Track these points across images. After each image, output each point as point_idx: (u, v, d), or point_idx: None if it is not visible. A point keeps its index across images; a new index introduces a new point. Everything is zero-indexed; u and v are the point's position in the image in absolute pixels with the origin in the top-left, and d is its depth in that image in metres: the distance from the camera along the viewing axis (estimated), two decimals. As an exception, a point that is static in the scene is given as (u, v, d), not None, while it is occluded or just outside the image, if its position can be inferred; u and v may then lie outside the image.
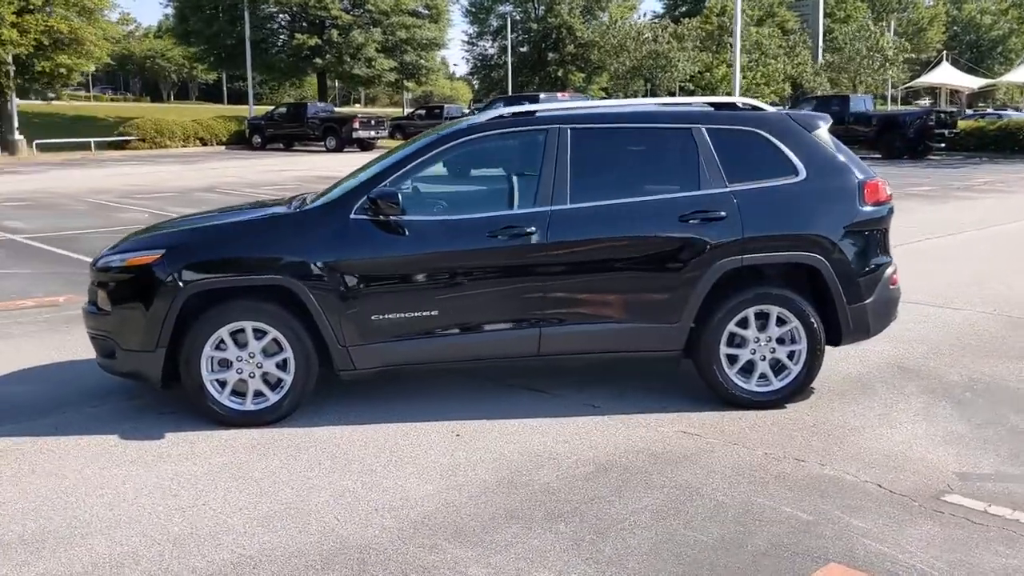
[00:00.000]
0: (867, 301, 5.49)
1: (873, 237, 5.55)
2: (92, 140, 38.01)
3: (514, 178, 5.57)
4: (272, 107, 44.36)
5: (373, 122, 39.21)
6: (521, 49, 61.85)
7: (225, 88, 77.03)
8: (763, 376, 5.47)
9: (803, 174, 5.47)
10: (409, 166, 5.36)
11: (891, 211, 5.69)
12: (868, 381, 6.02)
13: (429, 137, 5.62)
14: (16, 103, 36.31)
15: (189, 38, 47.59)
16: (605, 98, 65.66)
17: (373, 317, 5.18)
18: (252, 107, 44.34)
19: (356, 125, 38.12)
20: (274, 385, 5.24)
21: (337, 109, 45.34)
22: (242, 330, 5.17)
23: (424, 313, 5.23)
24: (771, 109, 5.77)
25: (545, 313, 5.29)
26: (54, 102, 47.18)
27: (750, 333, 5.42)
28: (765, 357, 5.45)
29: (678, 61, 43.39)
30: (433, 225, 5.27)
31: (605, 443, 4.92)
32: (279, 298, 5.16)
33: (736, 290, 5.41)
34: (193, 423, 5.21)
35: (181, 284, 5.09)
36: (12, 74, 34.06)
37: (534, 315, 5.28)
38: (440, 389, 5.81)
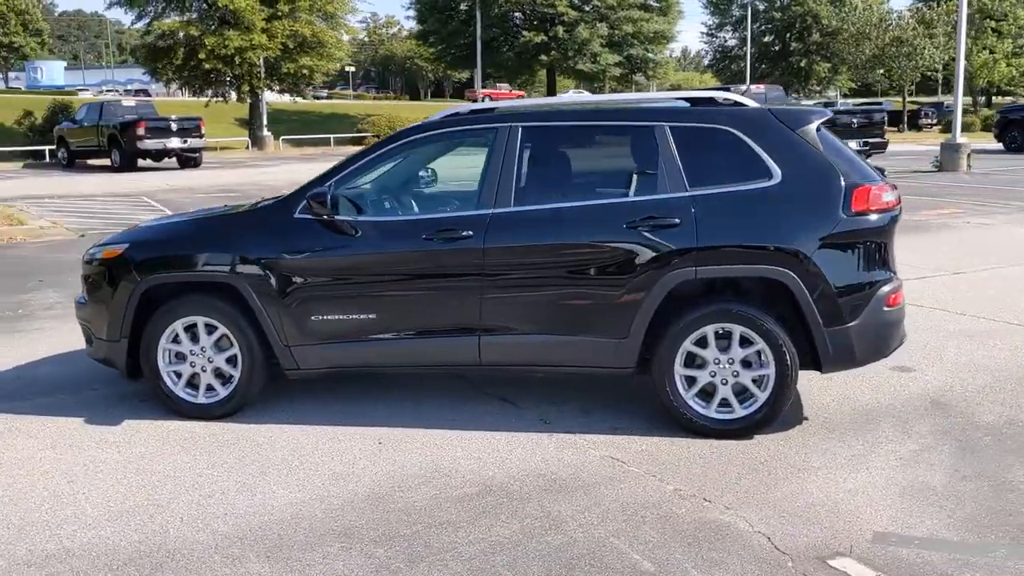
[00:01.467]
0: (851, 324, 4.79)
1: (861, 250, 4.83)
2: (332, 136, 40.71)
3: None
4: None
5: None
6: (763, 39, 59.53)
7: (478, 85, 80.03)
8: (725, 402, 4.93)
9: (777, 177, 4.85)
10: (355, 166, 5.28)
11: (893, 220, 4.93)
12: (879, 414, 5.27)
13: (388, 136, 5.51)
14: (265, 101, 39.59)
15: (428, 38, 49.85)
16: (852, 91, 61.81)
17: (313, 317, 5.17)
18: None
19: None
20: (225, 380, 5.35)
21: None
22: (195, 325, 5.32)
23: (362, 316, 5.14)
24: (752, 105, 5.15)
25: (483, 321, 5.04)
26: (314, 100, 50.94)
27: (710, 353, 4.89)
28: (727, 381, 4.90)
29: (923, 49, 39.95)
30: (372, 226, 5.16)
31: (515, 463, 4.63)
32: (227, 295, 5.26)
33: (693, 305, 4.90)
34: (159, 413, 5.42)
35: (138, 278, 5.31)
36: (262, 75, 37.12)
37: (472, 323, 5.05)
38: (409, 392, 5.70)
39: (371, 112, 46.12)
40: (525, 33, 43.44)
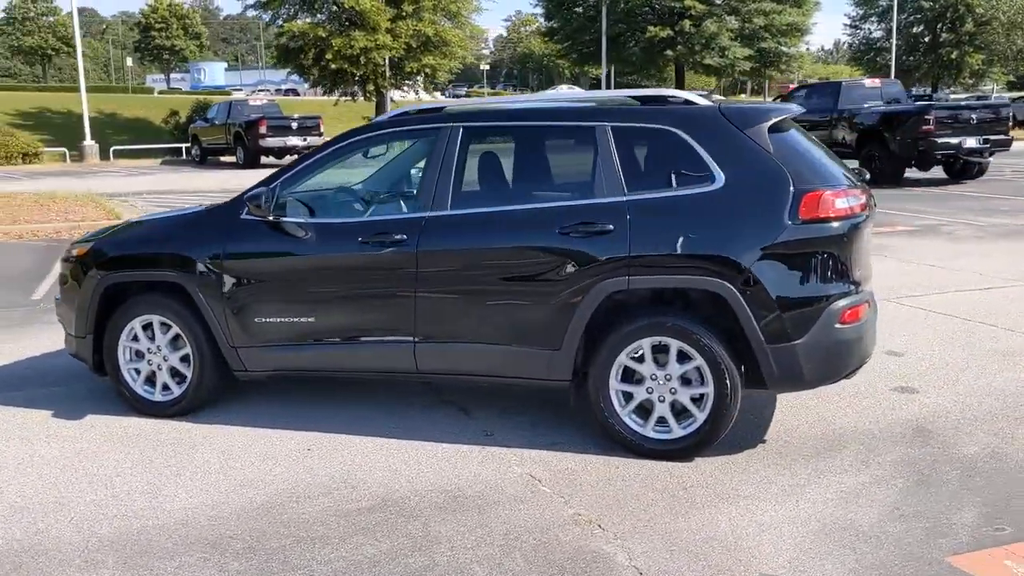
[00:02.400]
0: (797, 341, 4.39)
1: (811, 261, 4.42)
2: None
3: (404, 180, 5.20)
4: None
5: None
6: (912, 30, 56.50)
7: (613, 82, 79.41)
8: (662, 421, 4.61)
9: (719, 181, 4.49)
10: (302, 166, 5.21)
11: (854, 228, 4.49)
12: (848, 439, 4.82)
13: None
14: (391, 100, 40.42)
15: (554, 35, 49.73)
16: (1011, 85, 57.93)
17: (256, 319, 5.14)
18: (605, 100, 45.32)
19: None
20: (180, 379, 5.40)
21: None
22: (151, 323, 5.39)
23: (302, 319, 5.08)
24: (703, 103, 4.78)
25: (418, 328, 4.89)
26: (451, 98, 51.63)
27: (646, 369, 4.59)
28: (664, 398, 4.58)
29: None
30: (312, 228, 5.06)
31: (428, 477, 4.46)
32: (179, 295, 5.30)
33: (629, 317, 4.61)
34: (123, 410, 5.51)
35: (99, 276, 5.43)
36: (387, 75, 37.90)
37: (407, 329, 4.91)
38: (369, 398, 5.59)
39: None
40: (651, 28, 42.67)
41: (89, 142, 33.13)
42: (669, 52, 43.46)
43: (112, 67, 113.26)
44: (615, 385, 4.63)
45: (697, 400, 4.54)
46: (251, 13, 41.48)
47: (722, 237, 4.42)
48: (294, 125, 28.66)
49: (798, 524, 3.89)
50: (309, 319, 5.07)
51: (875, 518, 3.93)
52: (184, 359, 5.36)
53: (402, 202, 5.19)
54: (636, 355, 4.59)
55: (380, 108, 39.63)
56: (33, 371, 6.47)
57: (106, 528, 3.99)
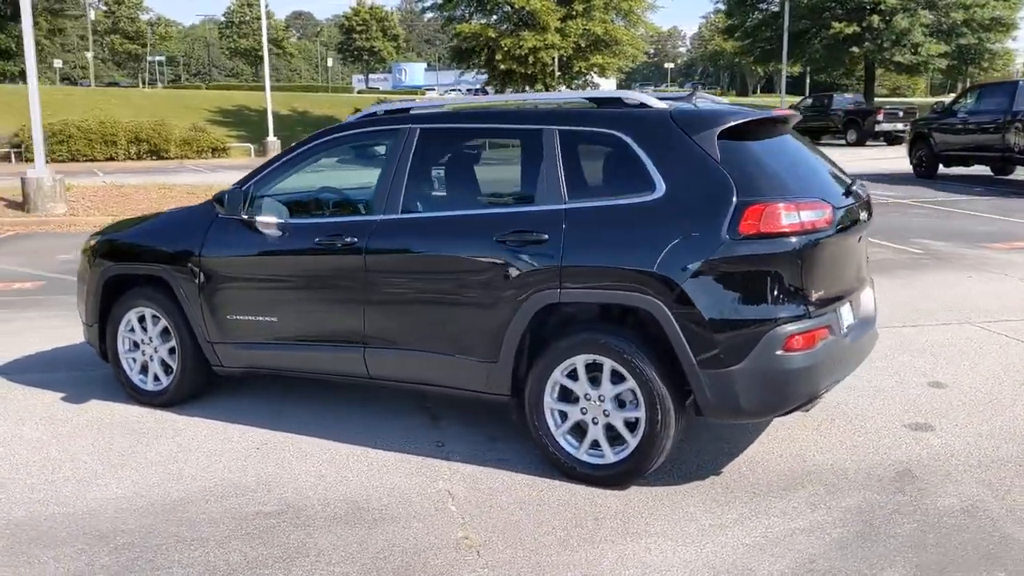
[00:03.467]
0: (733, 368, 3.99)
1: (750, 280, 4.00)
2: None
3: (366, 182, 5.12)
4: (801, 97, 43.12)
5: (901, 113, 35.85)
6: None
7: (809, 81, 76.28)
8: (596, 444, 4.32)
9: (659, 191, 4.15)
10: (275, 166, 5.23)
11: (809, 245, 4.03)
12: (813, 479, 4.36)
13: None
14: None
15: (733, 33, 48.27)
16: None
17: (229, 316, 5.23)
18: (783, 100, 43.55)
19: (880, 117, 35.24)
20: (169, 370, 5.57)
21: (892, 101, 42.27)
22: (145, 315, 5.59)
23: (266, 318, 5.12)
24: (660, 105, 4.41)
25: (367, 333, 4.81)
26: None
27: (580, 388, 4.32)
28: (598, 420, 4.30)
29: None
30: (277, 228, 5.05)
31: (347, 485, 4.38)
32: (167, 289, 5.46)
33: (563, 332, 4.35)
34: (124, 398, 5.74)
35: (102, 268, 5.68)
36: (555, 74, 38.04)
37: (357, 334, 4.85)
38: (347, 400, 5.56)
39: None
40: (836, 24, 40.57)
41: (272, 138, 35.06)
42: (855, 49, 41.19)
43: (321, 68, 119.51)
44: (550, 403, 4.38)
45: (632, 424, 4.22)
46: (428, 15, 42.56)
47: (655, 251, 4.07)
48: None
49: (688, 570, 3.53)
50: (271, 319, 5.10)
51: (780, 570, 3.51)
52: (172, 351, 5.52)
53: (363, 205, 5.12)
54: (570, 372, 4.32)
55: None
56: (65, 356, 6.85)
57: (21, 512, 4.15)
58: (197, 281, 5.25)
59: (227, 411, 5.44)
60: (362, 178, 5.78)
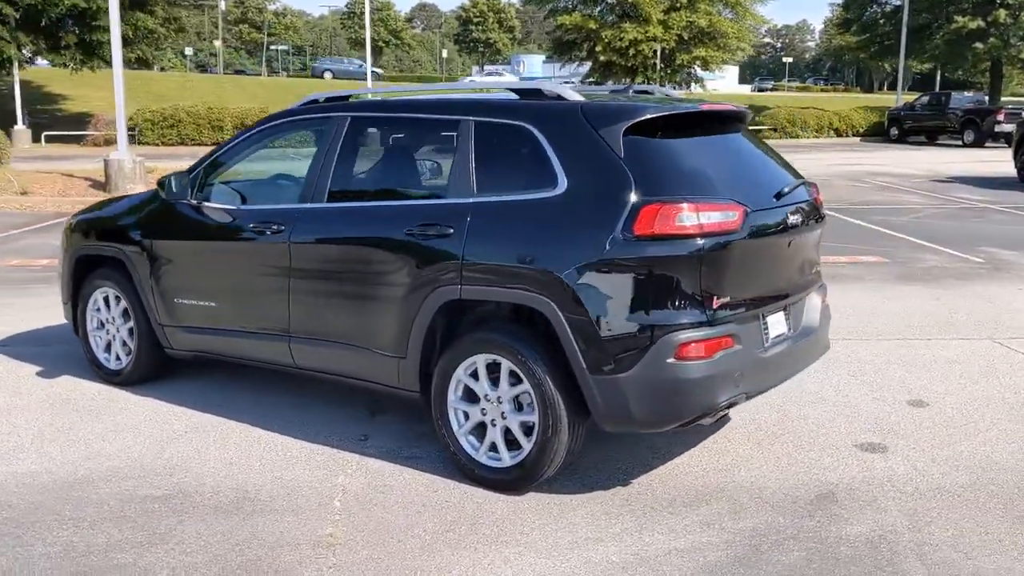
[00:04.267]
0: (623, 375, 3.78)
1: (644, 284, 3.77)
2: (725, 128, 39.80)
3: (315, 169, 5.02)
4: (917, 95, 41.17)
5: (1024, 114, 33.82)
6: None
7: (939, 79, 72.96)
8: (494, 447, 4.17)
9: (561, 187, 3.96)
10: (222, 151, 5.24)
11: (715, 248, 3.77)
12: (720, 496, 4.10)
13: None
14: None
15: (849, 27, 46.33)
16: None
17: (175, 300, 5.28)
18: (900, 97, 41.63)
19: (1000, 117, 33.34)
20: (129, 350, 5.67)
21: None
22: (109, 295, 5.70)
23: (207, 303, 5.15)
24: (578, 98, 4.20)
25: (292, 322, 4.78)
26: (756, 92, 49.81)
27: (480, 388, 4.17)
28: (496, 422, 4.15)
29: None
30: (214, 213, 5.06)
31: (248, 474, 4.35)
32: (124, 270, 5.55)
33: (465, 329, 4.22)
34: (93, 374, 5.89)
35: (74, 247, 5.83)
36: (658, 67, 37.41)
37: (283, 322, 4.82)
38: (299, 387, 5.54)
39: (788, 104, 43.69)
40: (959, 18, 38.46)
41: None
42: (979, 45, 38.97)
43: (439, 59, 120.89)
44: (453, 402, 4.25)
45: (529, 429, 4.06)
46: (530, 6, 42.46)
47: (550, 250, 3.90)
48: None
49: (536, 584, 3.37)
50: (212, 304, 5.12)
51: (629, 594, 3.31)
52: (131, 332, 5.61)
53: (297, 193, 5.08)
54: (473, 372, 4.18)
55: (650, 101, 39.16)
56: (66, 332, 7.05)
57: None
58: (149, 263, 5.32)
59: (178, 393, 5.50)
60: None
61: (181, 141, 33.20)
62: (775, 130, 39.56)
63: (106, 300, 5.72)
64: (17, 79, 32.80)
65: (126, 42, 33.83)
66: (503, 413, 4.11)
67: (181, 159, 25.04)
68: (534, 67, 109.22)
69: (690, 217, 3.74)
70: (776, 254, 4.20)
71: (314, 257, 4.66)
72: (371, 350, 4.48)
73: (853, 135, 40.33)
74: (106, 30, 32.30)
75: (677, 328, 3.75)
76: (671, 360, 3.74)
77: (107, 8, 32.59)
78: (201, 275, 5.16)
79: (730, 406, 3.97)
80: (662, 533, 3.76)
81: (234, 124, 33.86)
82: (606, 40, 35.87)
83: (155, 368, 5.64)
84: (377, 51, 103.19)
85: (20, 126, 33.23)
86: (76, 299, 5.88)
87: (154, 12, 34.13)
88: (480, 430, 4.22)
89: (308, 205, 4.71)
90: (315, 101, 5.05)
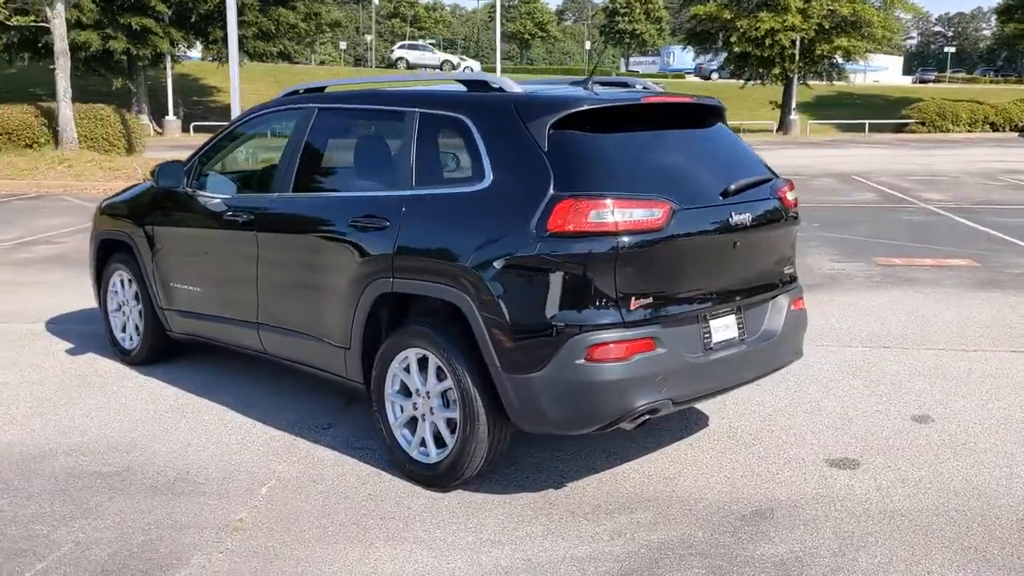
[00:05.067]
0: (535, 374, 3.67)
1: (557, 282, 3.63)
2: (868, 122, 38.06)
3: (277, 160, 5.11)
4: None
5: None
6: None
7: None
8: (424, 442, 4.14)
9: (486, 181, 3.88)
10: (214, 141, 5.38)
11: (619, 248, 3.60)
12: (648, 505, 3.93)
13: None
14: (807, 84, 38.40)
15: (1012, 14, 43.22)
16: None
17: (171, 284, 5.47)
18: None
19: None
20: (139, 330, 5.92)
21: None
22: (123, 278, 5.97)
23: (194, 289, 5.32)
24: (517, 90, 4.08)
25: (259, 309, 4.88)
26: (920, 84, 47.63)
27: (411, 382, 4.15)
28: (426, 417, 4.11)
29: None
30: (199, 201, 5.22)
31: (200, 456, 4.46)
32: (133, 254, 5.79)
33: (399, 322, 4.20)
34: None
35: (97, 231, 6.13)
36: (796, 58, 36.07)
37: (252, 309, 4.92)
38: (286, 374, 5.64)
39: (943, 97, 41.18)
40: None
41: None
42: None
43: (583, 51, 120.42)
44: (390, 395, 4.24)
45: (451, 424, 4.00)
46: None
47: (469, 244, 3.82)
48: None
49: (410, 583, 3.32)
50: (197, 289, 5.29)
51: (496, 598, 3.21)
52: (140, 313, 5.86)
53: (271, 183, 5.15)
54: (405, 366, 4.16)
55: (787, 93, 37.91)
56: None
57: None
58: (151, 248, 5.54)
59: (179, 374, 5.71)
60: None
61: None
62: (923, 124, 37.59)
63: (121, 282, 5.99)
64: (170, 72, 34.68)
65: (268, 36, 35.37)
66: (432, 408, 4.06)
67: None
68: (684, 59, 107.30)
69: (605, 214, 3.59)
70: (719, 255, 3.97)
71: (276, 246, 4.73)
72: (323, 340, 4.52)
73: (1011, 130, 37.88)
74: (250, 24, 34.03)
75: (589, 329, 3.61)
76: (581, 361, 3.60)
77: (252, 4, 34.07)
78: (191, 261, 5.32)
79: (652, 412, 3.78)
80: (567, 540, 3.63)
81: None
82: (741, 30, 34.88)
83: (162, 349, 5.86)
84: (524, 44, 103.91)
85: (171, 117, 35.17)
86: (99, 280, 6.17)
87: (296, 8, 35.45)
88: (413, 424, 4.19)
89: (275, 195, 4.79)
90: (296, 92, 5.12)
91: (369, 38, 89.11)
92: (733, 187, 4.02)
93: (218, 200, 5.13)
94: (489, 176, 3.87)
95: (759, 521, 3.78)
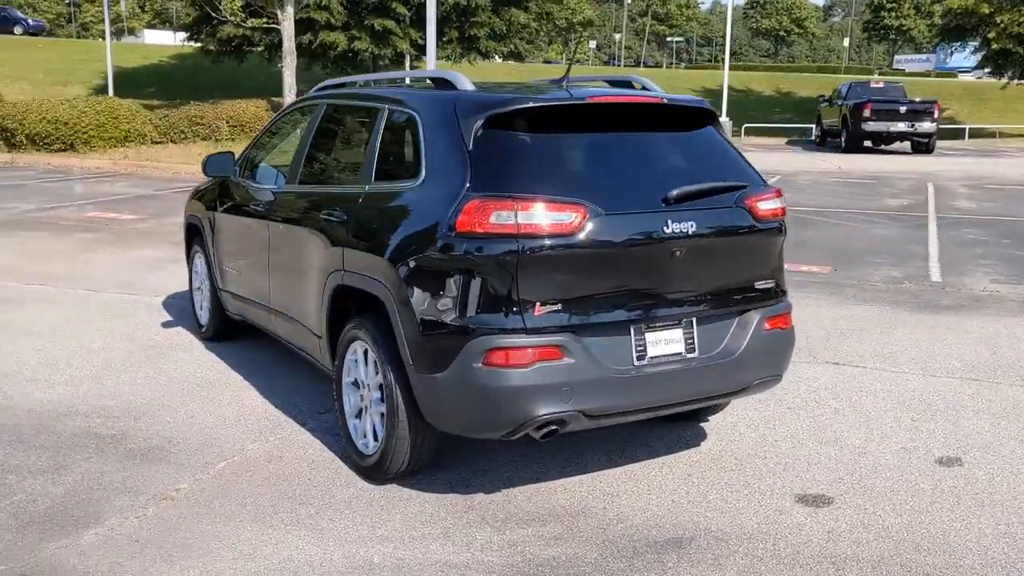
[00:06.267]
0: (439, 374, 3.64)
1: (461, 283, 3.57)
2: None
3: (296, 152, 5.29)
4: None
5: None
6: None
7: None
8: (366, 434, 4.20)
9: (420, 178, 3.89)
10: (263, 133, 5.69)
11: (523, 251, 3.48)
12: (549, 521, 3.77)
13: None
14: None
15: None
16: None
17: (224, 267, 5.87)
18: None
19: None
20: (214, 308, 6.38)
21: None
22: (200, 260, 6.44)
23: (237, 272, 5.67)
24: (468, 88, 4.02)
25: (270, 295, 5.13)
26: None
27: (359, 373, 4.23)
28: (370, 409, 4.18)
29: None
30: (245, 190, 5.55)
31: (191, 427, 4.76)
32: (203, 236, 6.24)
33: (351, 315, 4.29)
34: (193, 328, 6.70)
35: (184, 215, 6.66)
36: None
37: (266, 294, 5.19)
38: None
39: None
40: None
41: (724, 119, 34.97)
42: None
43: (847, 50, 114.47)
44: (346, 384, 4.34)
45: (384, 418, 4.04)
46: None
47: (394, 240, 3.86)
48: (902, 110, 26.58)
49: (236, 566, 3.39)
50: (239, 272, 5.63)
51: (340, 593, 3.22)
52: (210, 292, 6.31)
53: (288, 174, 5.35)
54: (355, 357, 4.24)
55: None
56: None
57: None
58: (212, 232, 5.96)
59: (233, 352, 6.08)
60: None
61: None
62: None
63: (200, 263, 6.47)
64: (409, 69, 36.54)
65: (499, 37, 36.43)
66: (372, 401, 4.12)
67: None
68: (964, 58, 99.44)
69: (508, 215, 3.49)
70: (655, 264, 3.73)
71: (279, 235, 4.96)
72: (306, 327, 4.70)
73: None
74: (482, 25, 35.23)
75: (488, 332, 3.53)
76: (479, 365, 3.53)
77: (485, 5, 35.20)
78: (235, 247, 5.68)
79: (560, 423, 3.62)
80: (456, 545, 3.57)
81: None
82: (1002, 25, 31.80)
83: (226, 328, 6.25)
84: (780, 40, 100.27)
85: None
86: (188, 261, 6.71)
87: (528, 8, 36.26)
88: (360, 415, 4.26)
89: (285, 187, 5.02)
90: (326, 86, 5.31)
91: (618, 37, 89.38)
92: (674, 194, 3.75)
93: (253, 189, 5.43)
94: (422, 173, 3.87)
95: (667, 550, 3.54)
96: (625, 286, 3.69)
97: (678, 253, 3.74)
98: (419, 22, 34.40)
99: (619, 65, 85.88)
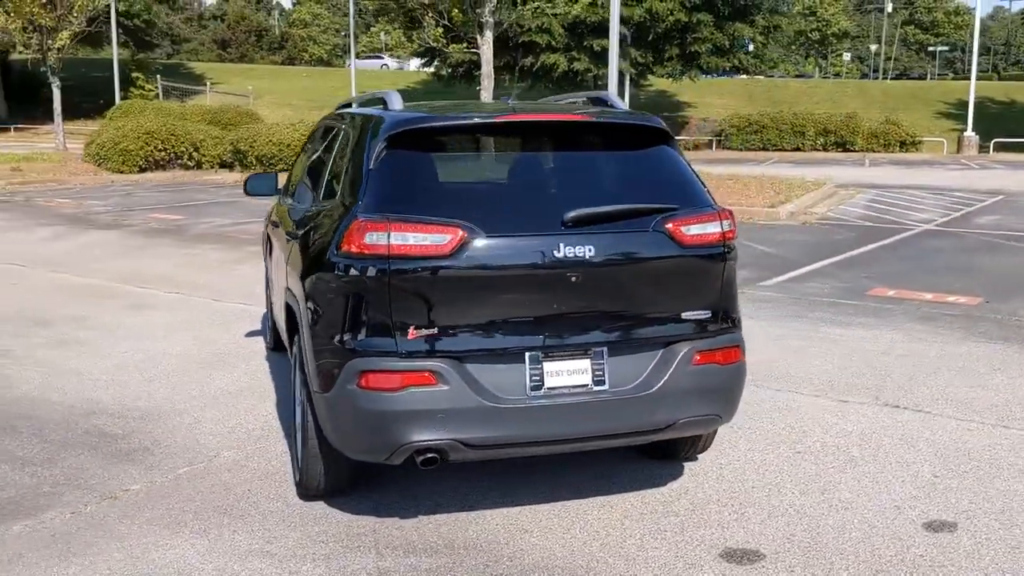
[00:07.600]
0: (325, 394, 3.64)
1: (342, 304, 3.55)
2: None
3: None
4: None
5: None
6: None
7: None
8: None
9: (337, 197, 3.96)
10: (299, 156, 5.89)
11: (393, 273, 3.40)
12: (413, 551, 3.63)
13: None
14: None
15: None
16: None
17: (270, 278, 6.15)
18: None
19: None
20: (279, 319, 6.69)
21: None
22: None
23: (273, 287, 5.92)
24: (394, 108, 3.97)
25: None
26: None
27: (296, 390, 4.28)
28: (299, 424, 4.22)
29: None
30: (279, 210, 5.77)
31: (198, 430, 5.02)
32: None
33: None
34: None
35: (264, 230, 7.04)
36: None
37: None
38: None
39: None
40: None
41: (970, 133, 32.22)
42: None
43: None
44: (297, 402, 4.37)
45: (317, 433, 4.08)
46: None
47: (306, 260, 3.93)
48: None
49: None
50: (273, 287, 5.88)
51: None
52: (275, 305, 6.63)
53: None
54: (295, 376, 4.30)
55: None
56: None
57: (20, 390, 5.74)
58: (269, 245, 6.26)
59: (284, 363, 6.33)
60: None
61: (763, 146, 33.88)
62: None
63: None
64: (628, 91, 36.54)
65: (722, 52, 35.66)
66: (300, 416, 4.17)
67: (753, 164, 25.82)
68: None
69: (380, 236, 3.43)
70: (549, 290, 3.50)
71: (292, 252, 5.12)
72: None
73: None
74: (704, 41, 34.62)
75: (363, 354, 3.48)
76: (353, 387, 3.49)
77: (707, 21, 34.58)
78: (271, 260, 5.93)
79: (438, 452, 3.49)
80: (326, 569, 3.52)
81: (816, 130, 33.48)
82: None
83: (278, 337, 6.50)
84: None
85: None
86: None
87: (754, 22, 35.24)
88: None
89: (309, 206, 5.17)
90: (349, 105, 5.42)
91: (873, 47, 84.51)
92: (571, 216, 3.52)
93: (287, 205, 5.65)
94: (338, 192, 3.89)
95: (532, 595, 3.31)
96: (518, 313, 3.51)
97: (575, 279, 3.50)
98: (638, 40, 34.47)
99: (875, 78, 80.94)
